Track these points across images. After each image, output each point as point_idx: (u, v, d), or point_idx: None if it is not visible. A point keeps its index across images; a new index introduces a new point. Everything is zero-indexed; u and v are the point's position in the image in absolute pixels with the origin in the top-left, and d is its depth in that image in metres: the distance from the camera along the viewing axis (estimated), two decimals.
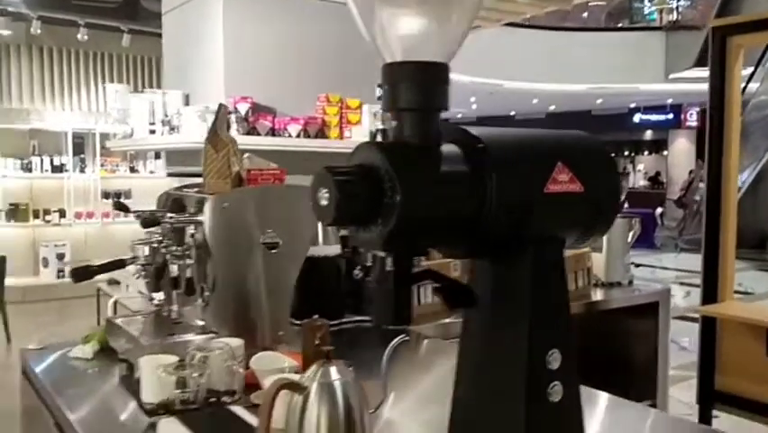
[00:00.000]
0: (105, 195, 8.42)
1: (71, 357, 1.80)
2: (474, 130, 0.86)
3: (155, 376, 1.41)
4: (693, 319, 6.41)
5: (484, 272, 0.91)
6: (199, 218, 1.63)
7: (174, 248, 1.67)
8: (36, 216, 8.03)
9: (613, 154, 1.02)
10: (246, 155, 1.76)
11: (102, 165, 8.36)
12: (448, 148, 0.84)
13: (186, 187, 1.87)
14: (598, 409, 1.49)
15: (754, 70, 10.27)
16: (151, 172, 8.59)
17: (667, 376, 2.96)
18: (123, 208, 1.75)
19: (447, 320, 2.20)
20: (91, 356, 1.80)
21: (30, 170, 7.96)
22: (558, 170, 0.86)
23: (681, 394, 4.44)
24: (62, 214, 8.15)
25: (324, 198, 0.78)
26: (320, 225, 1.91)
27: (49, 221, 8.06)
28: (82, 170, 8.26)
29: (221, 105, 1.75)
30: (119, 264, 1.68)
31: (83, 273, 1.62)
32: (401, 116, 0.82)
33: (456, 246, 0.87)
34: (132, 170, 8.53)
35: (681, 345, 6.22)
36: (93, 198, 8.37)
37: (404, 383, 1.69)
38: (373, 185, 0.78)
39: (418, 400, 1.58)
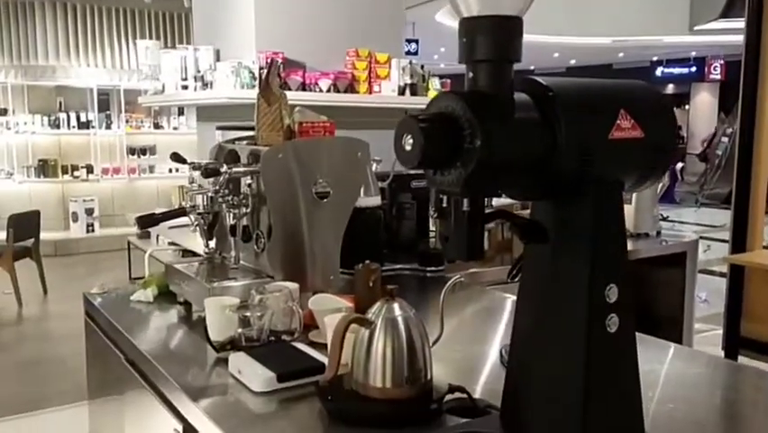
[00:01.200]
0: (131, 151, 8.55)
1: (133, 300, 1.91)
2: (542, 80, 0.93)
3: (222, 315, 1.51)
4: (712, 273, 6.48)
5: (547, 213, 0.98)
6: (256, 169, 1.71)
7: (230, 198, 1.76)
8: (65, 171, 8.18)
9: None
10: (297, 108, 1.83)
11: (127, 122, 8.45)
12: (520, 96, 0.90)
13: (237, 139, 1.94)
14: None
15: None
16: (175, 128, 8.68)
17: (692, 326, 3.04)
18: (180, 160, 1.83)
19: (476, 269, 2.28)
20: (152, 300, 1.91)
21: (57, 127, 8.08)
22: (621, 117, 0.92)
23: (703, 347, 4.53)
24: (90, 170, 8.30)
25: (408, 143, 0.85)
26: (369, 175, 1.99)
27: (77, 177, 8.22)
28: (108, 127, 8.37)
29: (272, 60, 1.81)
30: (181, 213, 1.77)
31: (148, 221, 1.71)
32: (477, 67, 0.88)
33: (526, 188, 0.94)
34: (157, 126, 8.62)
35: (701, 299, 6.29)
36: (119, 153, 8.49)
37: (457, 320, 1.79)
38: (454, 131, 0.84)
39: (471, 336, 1.67)
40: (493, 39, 0.86)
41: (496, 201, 1.63)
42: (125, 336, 1.65)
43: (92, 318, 1.95)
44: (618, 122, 0.92)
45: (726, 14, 11.86)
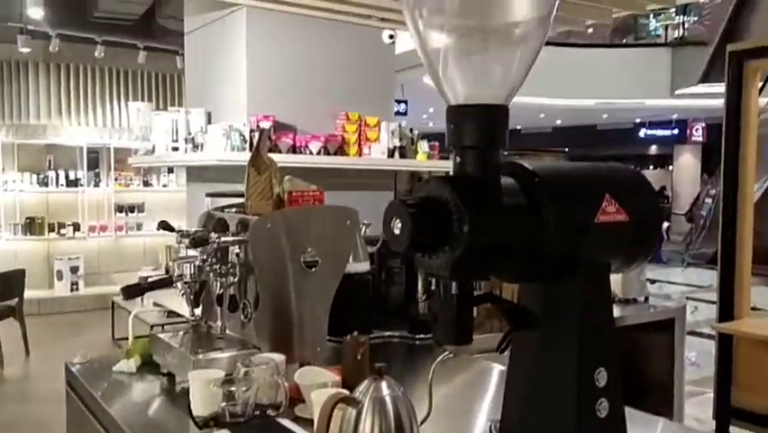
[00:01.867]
0: (119, 208, 8.53)
1: (115, 371, 1.87)
2: (528, 165, 0.94)
3: (206, 390, 1.48)
4: (701, 335, 6.46)
5: (535, 295, 0.98)
6: (244, 238, 1.70)
7: (218, 267, 1.75)
8: (51, 229, 8.13)
9: None
10: (287, 177, 1.84)
11: (116, 179, 8.46)
12: (506, 181, 0.92)
13: (226, 207, 1.95)
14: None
15: (763, 85, 10.33)
16: (164, 186, 8.70)
17: (683, 392, 3.01)
18: (168, 228, 1.83)
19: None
20: (134, 370, 1.87)
21: (46, 185, 8.07)
22: (606, 201, 0.93)
23: (694, 410, 4.48)
24: (76, 227, 8.25)
25: (397, 227, 0.86)
26: (359, 242, 1.99)
27: (63, 234, 8.17)
28: (96, 184, 8.38)
29: (262, 130, 1.83)
30: (167, 282, 1.76)
31: (134, 291, 1.69)
32: (464, 153, 0.89)
33: (513, 272, 0.94)
34: (146, 183, 8.63)
35: (690, 361, 6.25)
36: (107, 211, 8.47)
37: (445, 391, 1.76)
38: (442, 215, 0.85)
39: (459, 410, 1.64)
40: (480, 126, 0.88)
41: None
42: (105, 409, 1.60)
43: (73, 388, 1.90)
44: (603, 206, 0.93)
45: (705, 79, 12.23)
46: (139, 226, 8.63)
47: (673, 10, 13.56)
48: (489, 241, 0.86)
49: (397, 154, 3.94)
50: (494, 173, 0.90)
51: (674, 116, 16.80)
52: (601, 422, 0.95)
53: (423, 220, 0.85)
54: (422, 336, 2.26)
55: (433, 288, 0.89)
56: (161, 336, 1.83)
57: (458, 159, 0.90)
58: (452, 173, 0.91)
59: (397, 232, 0.86)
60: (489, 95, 0.88)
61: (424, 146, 4.11)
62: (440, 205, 0.86)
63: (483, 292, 0.92)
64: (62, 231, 8.17)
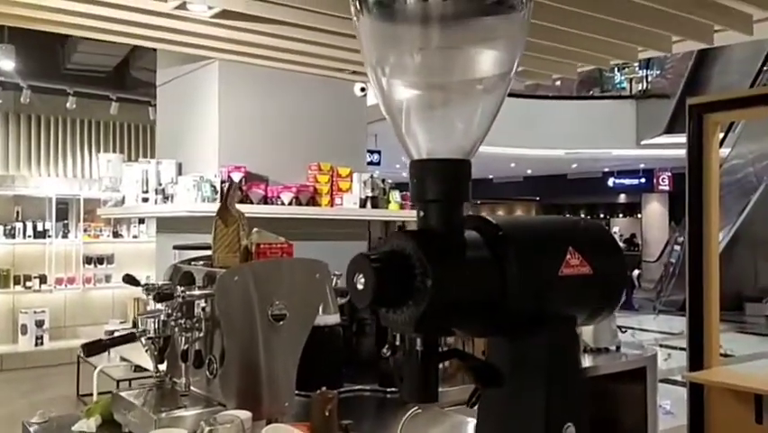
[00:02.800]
0: (88, 260, 8.38)
1: (75, 431, 1.80)
2: (491, 218, 0.95)
3: None
4: (675, 382, 6.47)
5: (502, 349, 0.97)
6: (210, 292, 1.68)
7: (183, 321, 1.71)
8: (17, 282, 7.94)
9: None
10: (255, 229, 1.83)
11: (85, 230, 8.33)
12: (470, 235, 0.92)
13: (193, 260, 1.92)
14: None
15: (724, 136, 10.69)
16: (135, 237, 8.58)
17: None
18: (133, 282, 1.79)
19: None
20: (94, 430, 1.81)
21: (13, 236, 7.91)
22: (570, 254, 0.94)
23: None
24: (43, 280, 8.07)
25: (360, 282, 0.85)
26: (328, 294, 1.97)
27: (29, 287, 7.97)
28: (65, 235, 8.23)
29: (231, 182, 1.83)
30: (130, 338, 1.71)
31: (94, 348, 1.64)
32: (428, 207, 0.90)
33: (479, 326, 0.94)
34: (116, 234, 8.51)
35: (665, 409, 6.24)
36: (75, 263, 8.31)
37: None
38: (405, 270, 0.85)
39: None
40: (443, 181, 0.88)
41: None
42: None
43: None
44: (567, 259, 0.93)
45: (670, 130, 12.61)
46: (108, 278, 8.47)
47: (637, 64, 14.05)
48: (453, 295, 0.86)
49: (369, 204, 3.95)
50: (458, 227, 0.90)
51: (641, 166, 17.20)
52: None
53: (386, 275, 0.84)
54: (393, 389, 2.23)
55: (398, 343, 0.87)
56: (123, 394, 1.77)
57: (422, 213, 0.90)
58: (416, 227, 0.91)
59: (360, 287, 0.85)
60: (452, 149, 0.89)
61: (396, 196, 4.13)
62: (403, 259, 0.85)
63: (449, 348, 0.91)
64: (28, 283, 7.98)
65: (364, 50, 0.91)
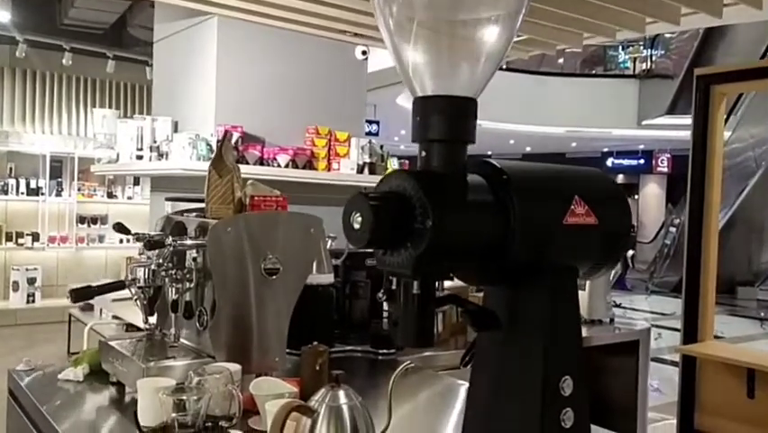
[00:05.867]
0: (81, 219, 8.32)
1: (61, 379, 1.78)
2: (497, 162, 0.91)
3: (155, 399, 1.40)
4: (664, 361, 6.51)
5: (500, 299, 0.94)
6: (202, 242, 1.64)
7: (174, 271, 1.68)
8: (9, 238, 7.88)
9: None
10: (250, 182, 1.79)
11: (79, 189, 8.26)
12: (473, 178, 0.88)
13: (186, 211, 1.88)
14: None
15: (726, 119, 10.62)
16: (129, 198, 8.52)
17: (646, 415, 3.00)
18: (124, 231, 1.75)
19: (429, 353, 2.21)
20: (82, 379, 1.78)
21: (6, 192, 7.84)
22: (575, 203, 0.90)
23: None
24: (36, 237, 8.02)
25: (357, 221, 0.81)
26: (323, 252, 1.94)
27: (21, 244, 7.92)
28: (58, 194, 8.16)
29: (226, 132, 1.78)
30: (119, 285, 1.68)
31: (83, 294, 1.61)
32: (430, 147, 0.86)
33: (478, 272, 0.90)
34: (110, 195, 8.45)
35: (653, 387, 6.28)
36: (68, 222, 8.26)
37: (407, 408, 1.70)
38: (404, 210, 0.81)
39: (421, 426, 1.59)
40: (447, 119, 0.84)
41: (448, 284, 1.59)
42: (47, 420, 1.51)
43: (14, 397, 1.80)
44: (572, 207, 0.90)
45: (671, 111, 12.54)
46: (101, 239, 8.43)
47: (641, 44, 13.92)
48: (454, 238, 0.82)
49: (366, 170, 3.90)
50: (461, 169, 0.86)
51: (641, 147, 17.14)
52: (566, 432, 0.91)
53: (384, 214, 0.80)
54: (385, 350, 2.21)
55: (393, 288, 0.84)
56: (112, 343, 1.74)
57: (423, 153, 0.86)
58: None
59: (357, 226, 0.82)
60: (457, 87, 0.85)
61: (394, 163, 4.08)
62: (403, 199, 0.82)
63: (446, 293, 0.88)
64: (20, 240, 7.93)
65: None
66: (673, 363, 6.32)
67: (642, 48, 14.03)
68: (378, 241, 0.82)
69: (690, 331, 2.99)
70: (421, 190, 0.81)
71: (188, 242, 1.65)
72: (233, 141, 3.44)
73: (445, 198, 0.82)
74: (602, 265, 0.97)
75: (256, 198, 1.72)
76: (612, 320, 3.01)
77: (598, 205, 0.93)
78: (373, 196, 0.82)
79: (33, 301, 7.80)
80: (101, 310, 5.46)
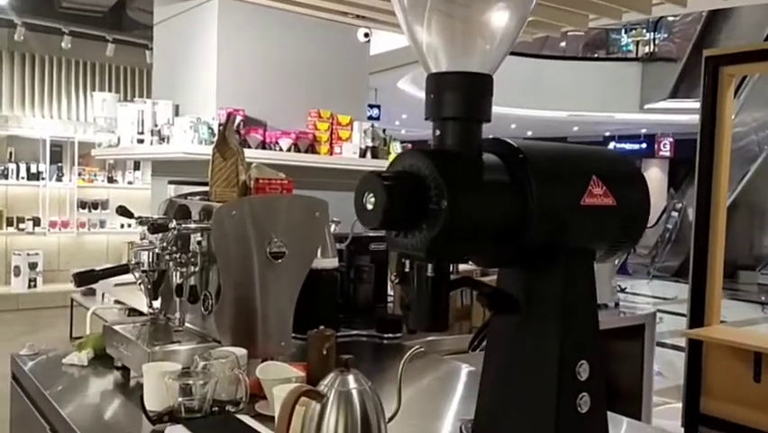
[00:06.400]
0: (82, 204, 8.30)
1: (65, 363, 1.77)
2: (512, 141, 0.88)
3: (160, 383, 1.39)
4: (665, 345, 6.51)
5: (515, 282, 0.92)
6: (207, 226, 1.62)
7: (178, 255, 1.65)
8: (10, 223, 7.86)
9: None
10: (254, 164, 1.76)
11: (79, 174, 8.23)
12: (489, 158, 0.85)
13: (189, 195, 1.86)
14: None
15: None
16: (130, 183, 8.49)
17: (651, 398, 2.99)
18: (127, 214, 1.73)
19: (434, 337, 2.19)
20: (86, 363, 1.77)
21: (6, 177, 7.81)
22: (593, 183, 0.88)
23: (659, 420, 4.48)
24: (36, 222, 7.99)
25: (370, 202, 0.79)
26: (327, 236, 1.92)
27: (22, 229, 7.90)
28: (59, 179, 8.13)
29: (230, 114, 1.75)
30: (123, 269, 1.66)
31: (87, 278, 1.59)
32: (445, 125, 0.83)
33: (493, 254, 0.88)
34: (111, 180, 8.42)
35: (655, 371, 6.29)
36: (69, 207, 8.23)
37: (413, 391, 1.69)
38: (419, 191, 0.79)
39: (428, 409, 1.58)
40: (463, 96, 0.82)
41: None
42: (52, 404, 1.50)
43: (18, 382, 1.79)
44: (590, 188, 0.87)
45: (674, 95, 12.46)
46: (102, 224, 8.41)
47: (644, 27, 13.81)
48: (469, 219, 0.80)
49: (369, 154, 3.87)
50: (476, 148, 0.84)
51: (643, 131, 17.06)
52: (582, 418, 0.89)
53: (398, 195, 0.78)
54: (390, 335, 2.20)
55: (406, 271, 0.81)
56: (116, 327, 1.73)
57: (437, 132, 0.84)
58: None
59: (370, 207, 0.79)
60: (473, 63, 0.82)
61: (396, 147, 4.05)
62: (417, 179, 0.79)
63: (460, 276, 0.85)
64: (21, 225, 7.91)
65: None
66: (675, 348, 6.33)
67: (645, 31, 13.92)
68: (391, 222, 0.80)
69: (697, 315, 2.97)
70: (436, 170, 0.78)
71: (193, 225, 1.63)
72: (236, 124, 3.40)
73: (461, 178, 0.79)
74: (619, 247, 0.95)
75: (261, 181, 1.69)
76: (617, 304, 3.00)
77: (616, 185, 0.91)
78: (387, 176, 0.79)
79: (35, 286, 7.80)
80: (103, 295, 5.45)
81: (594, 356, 0.90)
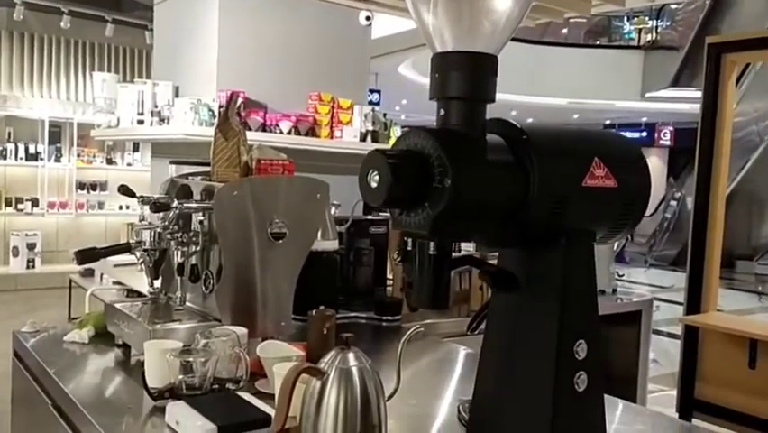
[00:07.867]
0: (81, 185, 8.29)
1: (66, 341, 1.78)
2: (515, 122, 0.89)
3: (162, 360, 1.40)
4: (661, 333, 6.55)
5: (516, 262, 0.93)
6: (208, 205, 1.62)
7: (180, 235, 1.66)
8: (8, 204, 7.86)
9: None
10: (256, 145, 1.76)
11: (78, 155, 8.22)
12: (492, 138, 0.86)
13: (191, 174, 1.86)
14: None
15: None
16: (129, 165, 8.48)
17: (646, 385, 3.02)
18: (129, 193, 1.73)
19: (432, 320, 2.21)
20: (87, 341, 1.78)
21: (4, 157, 7.79)
22: (595, 165, 0.88)
23: (653, 407, 4.52)
24: (35, 203, 7.99)
25: (374, 180, 0.80)
26: (328, 218, 1.93)
27: (21, 210, 7.90)
28: (58, 160, 8.11)
29: (232, 94, 1.75)
30: (125, 248, 1.67)
31: (88, 255, 1.60)
32: (449, 105, 0.84)
33: (496, 234, 0.89)
34: (110, 161, 8.41)
35: (651, 359, 6.33)
36: (67, 187, 8.22)
37: (412, 372, 1.71)
38: (423, 169, 0.79)
39: (427, 390, 1.59)
40: (468, 76, 0.82)
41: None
42: (54, 380, 1.51)
43: (20, 359, 1.80)
44: (592, 169, 0.88)
45: (675, 83, 12.43)
46: (101, 205, 8.40)
47: (647, 15, 13.74)
48: (472, 198, 0.81)
49: (369, 138, 3.87)
50: (480, 127, 0.84)
51: (644, 119, 17.03)
52: (579, 396, 0.90)
53: (403, 173, 0.79)
54: (389, 317, 2.21)
55: (408, 249, 0.82)
56: (118, 305, 1.74)
57: (442, 111, 0.84)
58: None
59: (374, 185, 0.80)
60: (478, 44, 0.82)
61: (397, 131, 4.04)
62: (421, 157, 0.80)
63: (462, 255, 0.86)
64: (20, 206, 7.91)
65: None
66: (670, 336, 6.37)
67: (647, 19, 13.85)
68: (395, 200, 0.80)
69: (693, 302, 2.99)
70: (440, 149, 0.79)
71: (194, 204, 1.63)
72: (237, 105, 3.40)
73: (465, 157, 0.80)
74: (620, 229, 0.96)
75: (263, 161, 1.70)
76: (615, 291, 3.02)
77: (618, 168, 0.91)
78: (391, 153, 0.80)
79: (33, 267, 7.81)
80: (101, 276, 5.45)
81: (592, 336, 0.91)
